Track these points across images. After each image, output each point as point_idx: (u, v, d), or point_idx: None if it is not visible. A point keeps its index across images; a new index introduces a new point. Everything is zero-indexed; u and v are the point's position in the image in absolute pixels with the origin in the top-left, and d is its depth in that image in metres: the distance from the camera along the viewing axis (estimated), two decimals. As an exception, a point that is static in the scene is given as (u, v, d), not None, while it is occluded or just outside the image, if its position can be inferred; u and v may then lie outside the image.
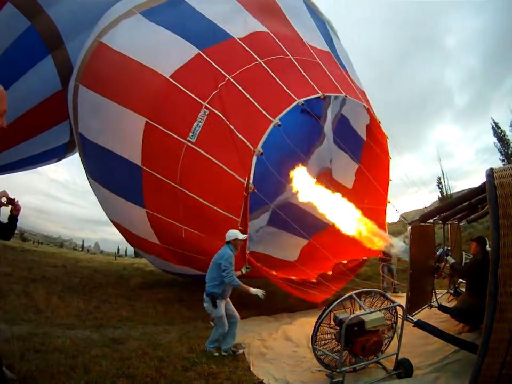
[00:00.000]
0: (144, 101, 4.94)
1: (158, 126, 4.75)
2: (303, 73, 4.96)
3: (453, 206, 3.92)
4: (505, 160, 21.39)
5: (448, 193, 22.39)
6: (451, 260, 4.09)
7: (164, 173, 4.85)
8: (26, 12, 6.79)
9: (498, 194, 2.33)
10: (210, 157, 4.41)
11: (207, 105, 4.55)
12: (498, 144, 22.02)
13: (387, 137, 5.85)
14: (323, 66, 5.37)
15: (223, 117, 4.47)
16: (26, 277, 7.14)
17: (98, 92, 5.54)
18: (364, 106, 5.41)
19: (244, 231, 4.30)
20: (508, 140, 21.77)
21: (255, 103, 4.48)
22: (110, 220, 6.65)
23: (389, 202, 6.25)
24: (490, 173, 2.45)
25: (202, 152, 4.46)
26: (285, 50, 5.21)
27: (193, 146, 4.49)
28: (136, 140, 5.01)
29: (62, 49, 6.84)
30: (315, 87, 4.79)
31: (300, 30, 5.97)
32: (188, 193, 4.68)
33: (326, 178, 7.03)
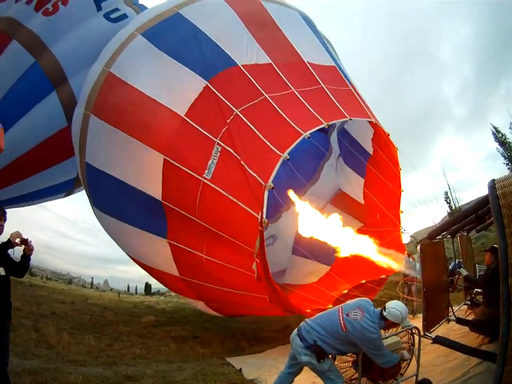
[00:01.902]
0: (162, 139, 5.37)
1: (177, 164, 5.17)
2: (307, 105, 5.29)
3: (459, 221, 4.03)
4: (510, 164, 21.74)
5: (457, 206, 22.66)
6: (464, 272, 4.24)
7: (184, 207, 5.25)
8: (31, 48, 7.24)
9: (501, 204, 2.48)
10: (225, 193, 4.77)
11: (219, 141, 4.95)
12: (501, 149, 22.53)
13: (397, 149, 6.06)
14: (326, 90, 5.71)
15: (234, 153, 4.83)
16: (36, 312, 7.34)
17: (113, 124, 5.88)
18: (372, 122, 5.71)
19: (261, 263, 4.70)
20: (510, 142, 22.26)
21: (263, 138, 4.83)
22: (122, 249, 6.88)
23: (402, 212, 6.42)
24: (492, 184, 2.62)
25: (217, 188, 4.84)
26: (289, 84, 5.57)
27: (209, 183, 4.89)
28: (156, 176, 5.42)
29: (66, 85, 7.25)
30: (319, 117, 5.12)
31: (301, 49, 6.29)
32: (208, 226, 5.05)
33: (341, 198, 7.42)
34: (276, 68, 5.79)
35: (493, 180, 2.69)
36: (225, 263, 5.20)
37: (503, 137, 22.95)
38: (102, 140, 6.16)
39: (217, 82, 5.45)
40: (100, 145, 6.19)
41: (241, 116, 5.00)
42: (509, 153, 22.49)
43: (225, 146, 4.90)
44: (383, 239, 6.20)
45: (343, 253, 5.82)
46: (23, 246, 2.82)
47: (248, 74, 5.50)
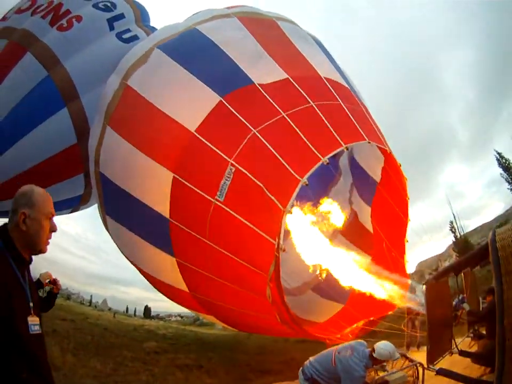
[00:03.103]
0: (171, 156, 5.38)
1: (186, 183, 5.13)
2: (327, 123, 5.25)
3: (463, 266, 4.66)
4: None
5: (462, 235, 24.79)
6: (467, 307, 4.73)
7: (193, 227, 5.20)
8: (44, 62, 7.39)
9: (500, 256, 2.92)
10: (239, 217, 4.69)
11: (233, 162, 4.86)
12: (505, 174, 24.09)
13: (406, 179, 6.07)
14: (345, 108, 5.69)
15: (249, 175, 4.74)
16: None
17: (124, 137, 6.03)
18: (386, 150, 5.69)
19: (276, 288, 4.70)
20: None
21: (281, 159, 4.74)
22: (130, 262, 6.89)
23: (407, 241, 6.41)
24: (493, 237, 3.08)
25: (231, 211, 4.75)
26: (306, 97, 5.54)
27: (221, 205, 4.80)
28: (164, 193, 5.43)
29: (77, 102, 7.35)
30: (338, 138, 5.09)
31: (316, 65, 6.38)
32: (218, 248, 4.97)
33: (351, 227, 7.27)
34: (293, 82, 5.82)
35: (494, 233, 3.18)
36: (237, 286, 5.16)
37: (507, 162, 24.26)
38: (115, 153, 6.29)
39: (232, 99, 5.46)
40: (112, 157, 6.33)
41: (258, 135, 4.95)
42: None
43: (239, 167, 4.83)
44: (388, 269, 6.14)
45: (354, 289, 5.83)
46: (52, 285, 2.96)
47: (264, 93, 5.51)
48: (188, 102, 5.75)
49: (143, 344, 8.66)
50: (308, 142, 4.92)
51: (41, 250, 2.32)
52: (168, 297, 7.09)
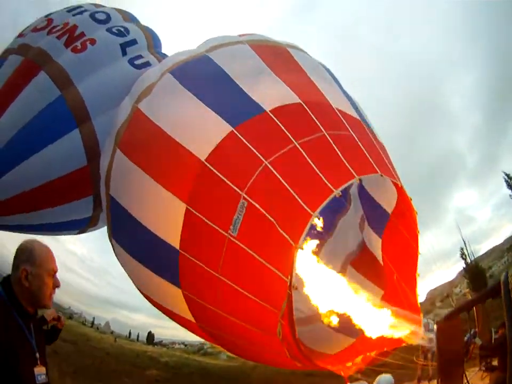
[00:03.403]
0: (183, 186, 5.40)
1: (199, 215, 5.11)
2: (339, 153, 5.27)
3: (473, 305, 4.88)
4: None
5: (472, 260, 25.90)
6: (479, 342, 4.76)
7: (205, 261, 5.15)
8: (58, 82, 7.51)
9: None
10: (252, 252, 4.67)
11: (245, 196, 4.85)
12: None
13: (416, 213, 5.94)
14: (356, 139, 5.71)
15: (261, 209, 4.75)
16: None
17: (133, 161, 6.05)
18: (397, 184, 5.65)
19: (288, 326, 4.64)
20: None
21: (293, 192, 4.75)
22: (138, 289, 6.82)
23: (418, 275, 6.22)
24: (505, 279, 3.16)
25: (244, 247, 4.73)
26: (319, 125, 5.56)
27: (235, 240, 4.78)
28: (176, 224, 5.39)
29: (89, 125, 7.45)
30: (351, 170, 5.10)
31: (328, 94, 6.40)
32: (229, 282, 4.91)
33: (362, 259, 7.19)
34: (306, 107, 5.85)
35: (506, 274, 3.28)
36: (247, 323, 5.12)
37: None
38: (124, 177, 6.33)
39: (244, 129, 5.49)
40: (121, 181, 6.37)
41: (270, 167, 4.97)
42: None
43: (252, 201, 4.83)
44: (400, 305, 6.00)
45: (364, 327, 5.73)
46: (56, 322, 3.26)
47: (276, 120, 5.54)
48: (198, 131, 5.81)
49: (145, 372, 8.59)
50: (320, 173, 4.94)
51: (46, 306, 2.43)
52: (175, 322, 7.05)
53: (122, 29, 8.55)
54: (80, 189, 7.80)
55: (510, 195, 26.38)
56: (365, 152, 5.56)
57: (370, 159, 5.45)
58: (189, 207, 5.32)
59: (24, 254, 2.36)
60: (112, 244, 6.89)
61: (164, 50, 9.31)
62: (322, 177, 4.90)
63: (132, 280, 6.92)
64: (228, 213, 4.96)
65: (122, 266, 6.93)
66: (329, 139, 5.42)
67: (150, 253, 6.10)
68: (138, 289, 6.88)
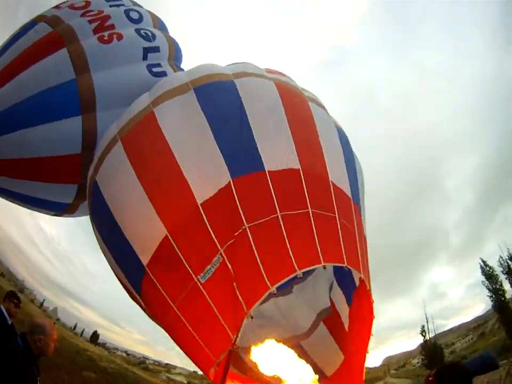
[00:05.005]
0: (171, 215, 6.17)
1: (176, 248, 5.92)
2: (315, 235, 6.03)
3: None
4: (493, 296, 28.24)
5: (431, 338, 32.05)
6: None
7: (167, 290, 6.00)
8: (76, 65, 8.10)
9: None
10: (211, 303, 5.49)
11: (222, 252, 5.65)
12: (486, 282, 28.97)
13: (373, 301, 6.58)
14: (338, 224, 6.42)
15: (231, 270, 5.56)
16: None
17: (130, 160, 6.75)
18: (360, 277, 6.38)
19: (221, 373, 5.30)
20: (496, 275, 28.68)
21: (260, 264, 5.53)
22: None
23: (372, 335, 6.75)
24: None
25: (206, 296, 5.54)
26: (307, 200, 6.32)
27: (201, 287, 5.60)
28: (151, 243, 6.23)
29: (92, 116, 8.04)
30: (320, 256, 5.84)
31: (330, 165, 7.13)
32: (183, 319, 5.80)
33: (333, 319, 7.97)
34: (302, 177, 6.58)
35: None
36: (189, 354, 6.19)
37: (490, 270, 29.34)
38: (116, 171, 7.01)
39: (240, 184, 6.24)
40: (112, 174, 7.05)
41: (248, 232, 5.74)
42: (493, 286, 28.44)
43: (226, 260, 5.63)
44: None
45: None
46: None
47: (270, 184, 6.30)
48: (203, 170, 6.48)
49: (82, 372, 9.43)
50: (290, 250, 5.74)
51: (48, 356, 4.82)
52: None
53: (149, 34, 9.18)
54: (68, 174, 8.40)
55: (483, 281, 29.69)
56: (341, 239, 6.35)
57: (343, 247, 6.23)
58: (168, 236, 6.05)
59: (40, 328, 4.67)
60: (92, 227, 7.75)
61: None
62: (291, 254, 5.74)
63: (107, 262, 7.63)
64: (203, 261, 5.75)
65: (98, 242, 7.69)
66: (311, 218, 6.22)
67: (120, 255, 6.94)
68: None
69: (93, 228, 7.74)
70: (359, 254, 6.64)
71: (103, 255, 7.75)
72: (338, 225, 6.51)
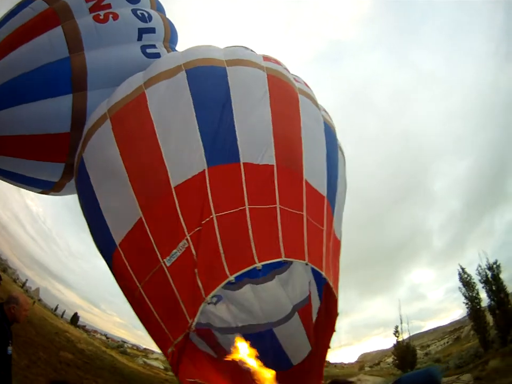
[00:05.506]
0: (148, 198, 6.60)
1: (148, 231, 6.40)
2: (279, 231, 6.37)
3: None
4: (469, 303, 29.09)
5: (404, 340, 33.26)
6: None
7: (135, 269, 6.51)
8: (70, 43, 8.34)
9: None
10: (174, 287, 5.95)
11: (188, 238, 6.06)
12: (463, 289, 29.86)
13: (337, 300, 6.92)
14: (305, 223, 6.76)
15: (194, 256, 5.96)
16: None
17: (116, 140, 7.15)
18: (326, 279, 6.65)
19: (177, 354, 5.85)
20: (474, 283, 29.41)
21: (222, 253, 5.92)
22: None
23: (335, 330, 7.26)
24: None
25: (170, 278, 6.00)
26: (277, 196, 6.68)
27: (166, 270, 6.04)
28: (126, 224, 6.73)
29: (83, 95, 8.29)
30: (282, 250, 6.21)
31: (307, 162, 7.43)
32: (146, 299, 6.27)
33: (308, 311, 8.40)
34: (275, 174, 6.92)
35: None
36: (150, 332, 6.69)
37: (468, 278, 30.08)
38: (102, 149, 7.42)
39: (214, 173, 6.60)
40: (99, 152, 7.48)
41: (215, 221, 6.13)
42: (470, 293, 29.38)
43: (191, 245, 6.03)
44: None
45: None
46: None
47: (243, 177, 6.64)
48: (182, 153, 6.86)
49: (59, 353, 9.96)
50: (252, 243, 6.12)
51: (20, 322, 5.89)
52: None
53: (146, 14, 9.33)
54: (56, 153, 8.71)
55: (460, 288, 30.78)
56: (305, 238, 6.69)
57: (306, 245, 6.58)
58: (142, 218, 6.53)
59: (14, 299, 5.84)
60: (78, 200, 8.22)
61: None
62: (253, 247, 6.13)
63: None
64: (170, 244, 6.16)
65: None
66: (278, 214, 6.55)
67: (96, 230, 7.56)
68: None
69: (80, 203, 8.18)
70: (324, 252, 6.93)
71: (87, 235, 8.21)
72: (305, 223, 6.80)
